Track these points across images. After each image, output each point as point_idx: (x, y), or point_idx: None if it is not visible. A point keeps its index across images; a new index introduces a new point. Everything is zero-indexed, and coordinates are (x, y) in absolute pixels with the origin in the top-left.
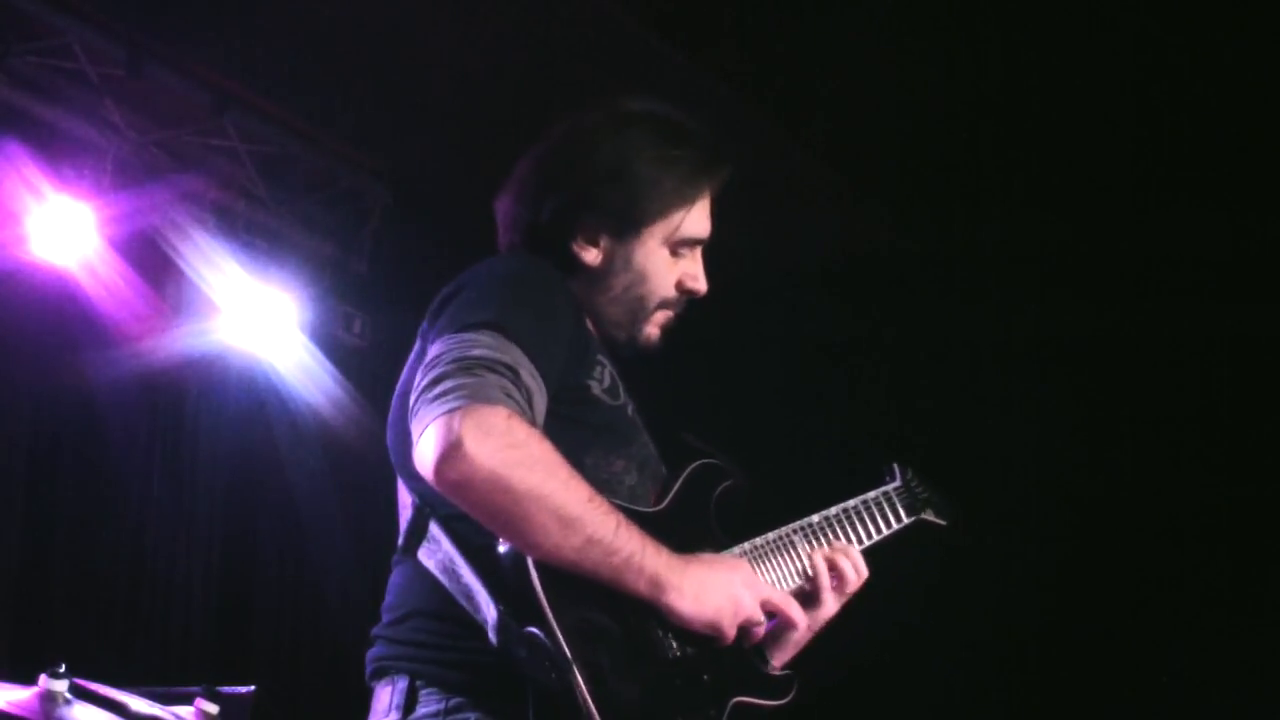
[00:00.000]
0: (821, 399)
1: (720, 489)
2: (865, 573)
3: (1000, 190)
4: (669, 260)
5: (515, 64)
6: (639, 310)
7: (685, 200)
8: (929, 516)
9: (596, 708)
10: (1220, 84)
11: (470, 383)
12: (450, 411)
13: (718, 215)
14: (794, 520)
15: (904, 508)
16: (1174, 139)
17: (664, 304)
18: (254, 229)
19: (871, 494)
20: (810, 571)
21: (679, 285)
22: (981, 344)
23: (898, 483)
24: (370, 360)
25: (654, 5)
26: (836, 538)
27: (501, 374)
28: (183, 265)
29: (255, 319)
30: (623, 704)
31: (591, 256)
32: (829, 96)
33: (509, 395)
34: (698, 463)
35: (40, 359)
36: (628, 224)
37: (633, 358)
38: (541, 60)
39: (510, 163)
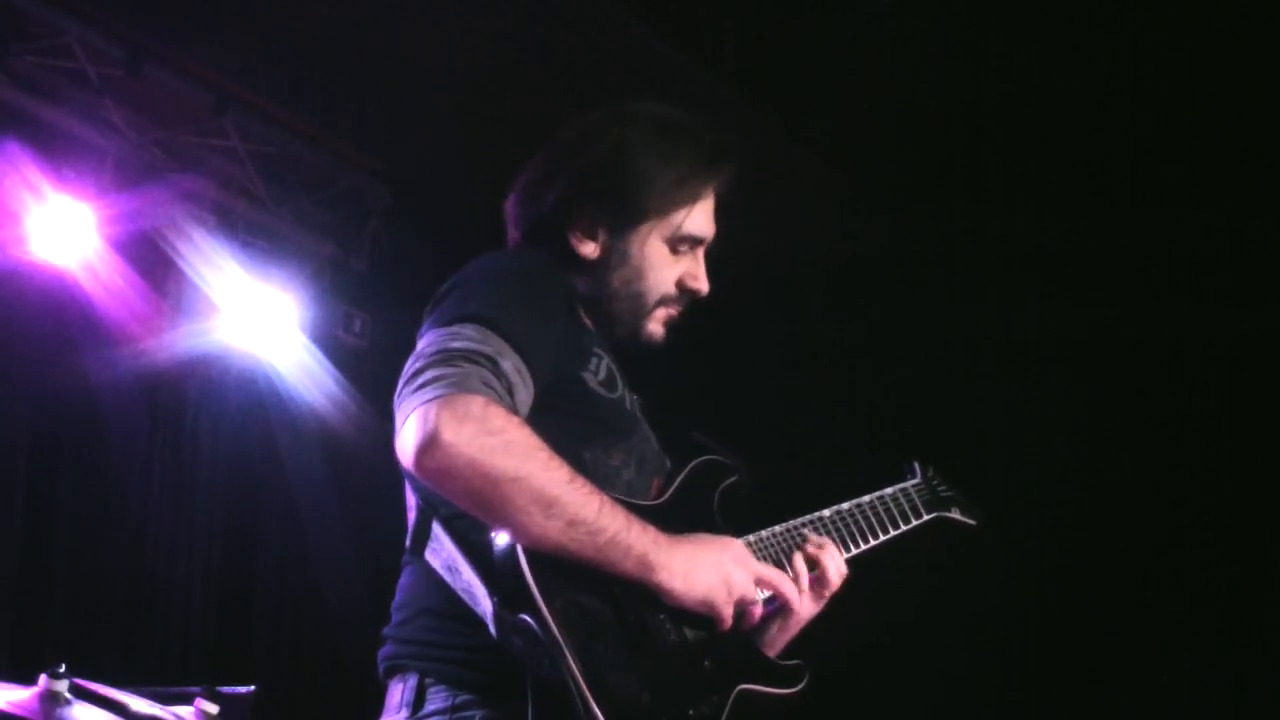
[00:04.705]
0: (821, 399)
1: (724, 486)
2: (844, 573)
3: (1000, 190)
4: (668, 257)
5: (515, 64)
6: (639, 306)
7: (685, 197)
8: (955, 515)
9: (591, 694)
10: (1220, 83)
11: (449, 373)
12: (428, 401)
13: (718, 214)
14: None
15: (923, 505)
16: (1174, 139)
17: (664, 301)
18: (254, 229)
19: (889, 490)
20: (799, 568)
21: (680, 284)
22: (982, 343)
23: (918, 480)
24: (370, 360)
25: (654, 5)
26: (849, 531)
27: (481, 364)
28: (183, 265)
29: (255, 319)
30: (619, 690)
31: (589, 249)
32: (829, 96)
33: (487, 385)
34: (701, 459)
35: (40, 359)
36: (624, 217)
37: (637, 354)
38: (542, 61)
39: (509, 162)
